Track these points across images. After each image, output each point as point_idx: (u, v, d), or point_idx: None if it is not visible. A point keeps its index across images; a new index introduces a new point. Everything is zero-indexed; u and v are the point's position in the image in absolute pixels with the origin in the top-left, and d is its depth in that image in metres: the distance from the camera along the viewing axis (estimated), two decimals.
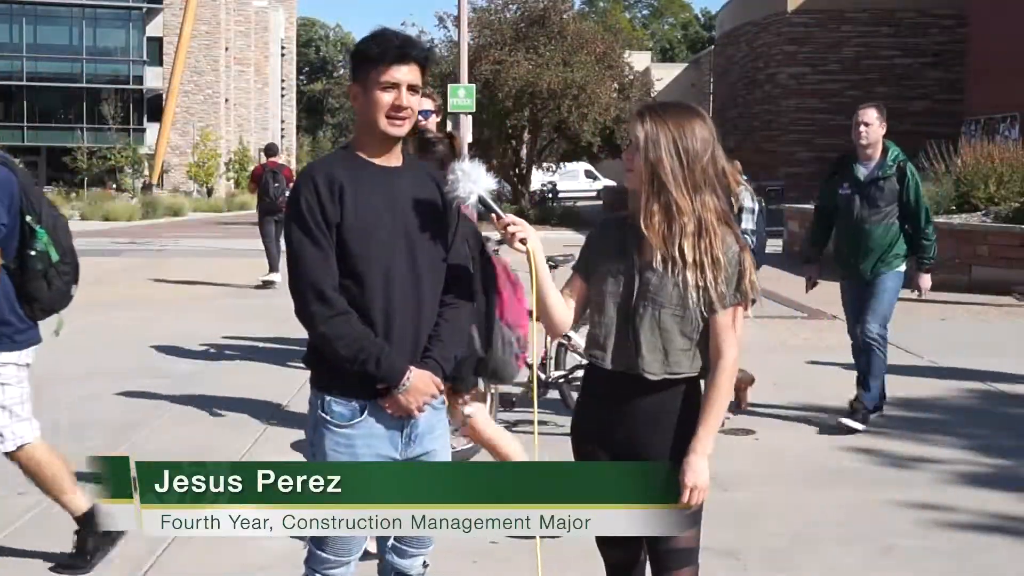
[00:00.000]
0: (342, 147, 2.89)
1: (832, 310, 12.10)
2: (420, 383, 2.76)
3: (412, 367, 2.76)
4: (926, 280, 6.77)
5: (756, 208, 6.52)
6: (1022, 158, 15.43)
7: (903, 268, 6.59)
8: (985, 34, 26.22)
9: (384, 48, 2.74)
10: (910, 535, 4.73)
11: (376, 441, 2.79)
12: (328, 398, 2.78)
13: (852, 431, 6.50)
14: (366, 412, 2.77)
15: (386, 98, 2.73)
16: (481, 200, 2.73)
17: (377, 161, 2.80)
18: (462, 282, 2.92)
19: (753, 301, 2.79)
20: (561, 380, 6.58)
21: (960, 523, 4.90)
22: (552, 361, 6.63)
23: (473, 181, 2.71)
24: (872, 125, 6.51)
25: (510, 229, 2.69)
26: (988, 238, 13.88)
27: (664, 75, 46.38)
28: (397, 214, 2.76)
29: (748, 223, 6.41)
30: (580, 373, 5.92)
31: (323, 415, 2.79)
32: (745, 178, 6.66)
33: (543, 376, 6.50)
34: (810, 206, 19.88)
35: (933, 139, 17.48)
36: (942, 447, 6.23)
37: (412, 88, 2.76)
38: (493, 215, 2.72)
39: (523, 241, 2.69)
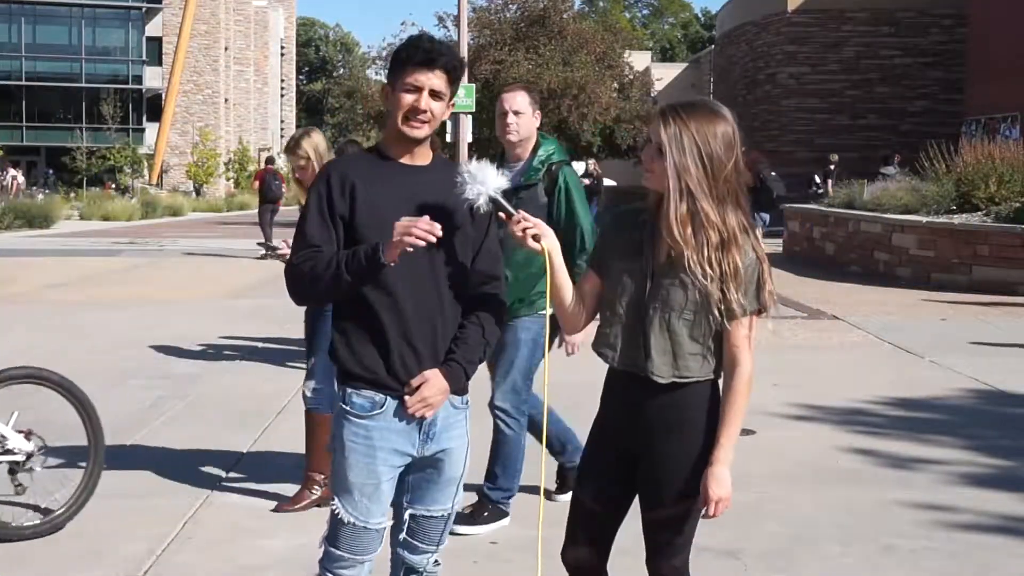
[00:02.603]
0: (372, 144, 2.98)
1: (832, 310, 12.13)
2: (427, 390, 2.77)
3: (428, 370, 2.78)
4: None
5: None
6: (1022, 158, 15.44)
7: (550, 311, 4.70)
8: (985, 34, 26.23)
9: (412, 51, 2.79)
10: (910, 535, 4.72)
11: (393, 435, 2.80)
12: (349, 390, 2.82)
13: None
14: (386, 405, 2.79)
15: (407, 100, 2.77)
16: (492, 200, 2.72)
17: (400, 160, 2.83)
18: (491, 284, 2.92)
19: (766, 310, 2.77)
20: None
21: (960, 523, 4.90)
22: None
23: (480, 182, 2.70)
24: (524, 114, 4.70)
25: (523, 226, 2.67)
26: (988, 238, 13.88)
27: (664, 75, 46.33)
28: (417, 212, 2.76)
29: None
30: None
31: (343, 406, 2.83)
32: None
33: None
34: (810, 206, 20.02)
35: (933, 139, 17.49)
36: (942, 447, 6.23)
37: (435, 94, 2.78)
38: (504, 215, 2.71)
39: (536, 239, 2.68)
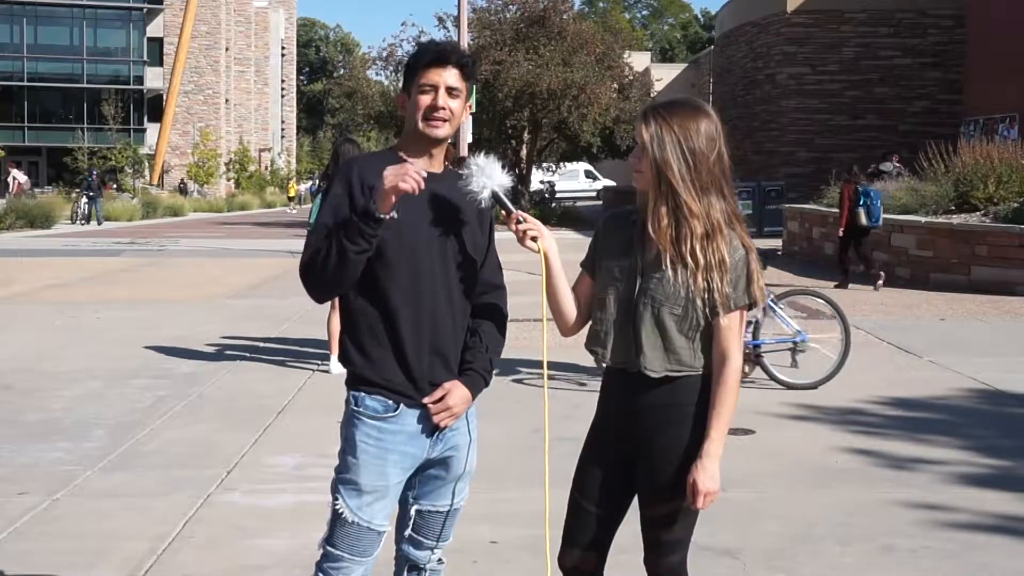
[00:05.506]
0: (388, 147, 2.98)
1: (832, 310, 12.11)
2: (451, 399, 2.80)
3: (452, 381, 2.81)
4: None
5: None
6: (1021, 158, 15.46)
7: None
8: (985, 34, 26.24)
9: (422, 53, 2.83)
10: (909, 535, 4.73)
11: (406, 439, 2.81)
12: (361, 394, 2.82)
13: None
14: (401, 407, 2.80)
15: (424, 100, 2.78)
16: (494, 196, 2.74)
17: (417, 164, 2.83)
18: (496, 289, 2.95)
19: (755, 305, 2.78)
20: None
21: (959, 523, 4.90)
22: None
23: (487, 176, 2.72)
24: None
25: (522, 227, 2.69)
26: (987, 238, 13.89)
27: (664, 75, 46.35)
28: (431, 217, 2.79)
29: None
30: None
31: (356, 409, 2.83)
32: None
33: None
34: (810, 206, 19.99)
35: (933, 139, 17.49)
36: (942, 447, 6.23)
37: (451, 91, 2.79)
38: (504, 212, 2.72)
39: (535, 239, 2.70)
